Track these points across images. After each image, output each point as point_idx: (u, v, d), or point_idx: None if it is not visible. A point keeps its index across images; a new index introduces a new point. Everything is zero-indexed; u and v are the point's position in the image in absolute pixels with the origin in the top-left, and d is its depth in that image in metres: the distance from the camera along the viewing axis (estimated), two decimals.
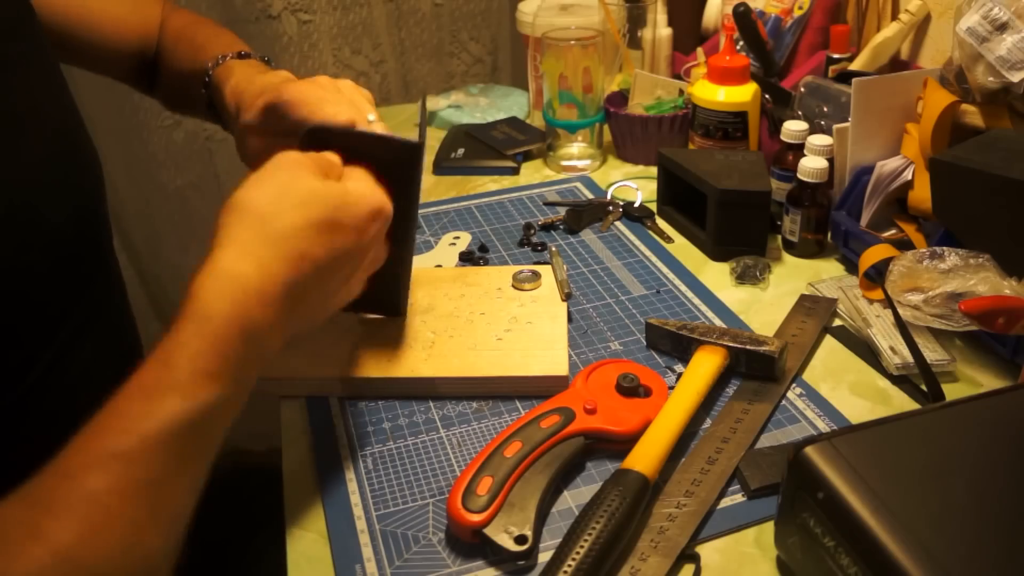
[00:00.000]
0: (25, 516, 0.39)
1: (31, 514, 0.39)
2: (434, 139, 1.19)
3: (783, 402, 0.68)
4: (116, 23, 0.79)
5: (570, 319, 0.78)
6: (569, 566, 0.50)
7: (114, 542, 0.39)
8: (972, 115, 0.76)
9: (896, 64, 0.96)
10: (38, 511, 0.39)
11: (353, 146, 0.58)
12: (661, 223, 0.95)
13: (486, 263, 0.88)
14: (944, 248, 0.69)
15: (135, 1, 0.81)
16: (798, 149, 0.86)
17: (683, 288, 0.82)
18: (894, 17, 0.95)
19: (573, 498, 0.59)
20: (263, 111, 0.63)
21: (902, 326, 0.71)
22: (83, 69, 0.82)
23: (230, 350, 0.45)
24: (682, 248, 0.90)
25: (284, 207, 0.50)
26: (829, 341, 0.75)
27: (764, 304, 0.80)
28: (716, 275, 0.85)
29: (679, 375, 0.68)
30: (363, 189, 0.55)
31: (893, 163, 0.80)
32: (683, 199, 0.91)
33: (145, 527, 0.41)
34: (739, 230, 0.85)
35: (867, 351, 0.73)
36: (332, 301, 0.56)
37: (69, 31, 0.73)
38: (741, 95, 0.93)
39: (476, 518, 0.54)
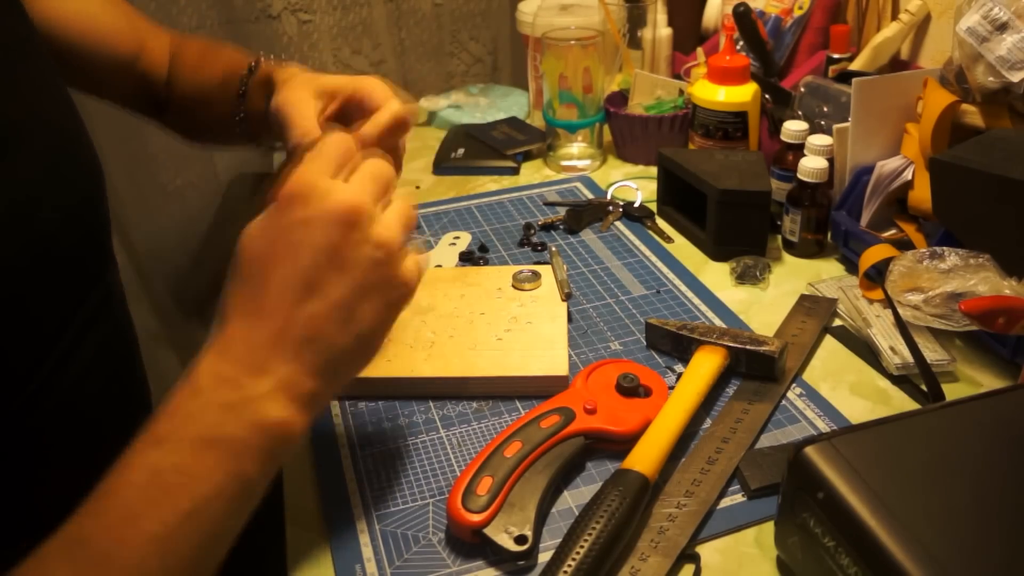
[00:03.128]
0: None
1: None
2: (434, 139, 1.19)
3: (783, 402, 0.68)
4: (116, 35, 0.79)
5: (570, 319, 0.78)
6: (569, 566, 0.50)
7: None
8: (972, 115, 0.76)
9: (896, 64, 0.96)
10: None
11: None
12: (661, 223, 0.95)
13: (486, 263, 0.88)
14: (944, 248, 0.69)
15: (132, 20, 0.82)
16: (798, 149, 0.86)
17: (683, 288, 0.82)
18: (894, 17, 0.96)
19: (573, 498, 0.59)
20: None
21: (902, 326, 0.71)
22: (86, 93, 0.82)
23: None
24: (682, 248, 0.90)
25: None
26: (829, 341, 0.75)
27: (764, 304, 0.80)
28: (716, 275, 0.85)
29: (679, 375, 0.68)
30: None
31: (893, 163, 0.80)
32: (683, 199, 0.91)
33: None
34: (739, 230, 0.85)
35: (867, 351, 0.73)
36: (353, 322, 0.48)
37: (70, 44, 0.73)
38: (741, 95, 0.93)
39: (476, 518, 0.54)
